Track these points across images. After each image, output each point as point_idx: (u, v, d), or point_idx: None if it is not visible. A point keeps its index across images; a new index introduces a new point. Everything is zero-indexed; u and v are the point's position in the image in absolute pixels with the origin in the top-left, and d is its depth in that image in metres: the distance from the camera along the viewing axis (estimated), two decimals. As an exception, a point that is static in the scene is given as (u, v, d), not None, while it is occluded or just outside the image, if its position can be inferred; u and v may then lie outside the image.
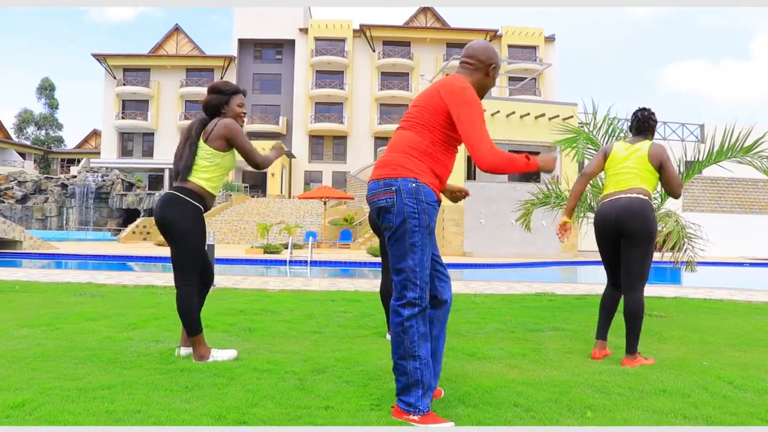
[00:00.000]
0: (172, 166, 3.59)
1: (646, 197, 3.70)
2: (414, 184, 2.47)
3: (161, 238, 23.94)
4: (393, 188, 2.47)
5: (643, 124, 3.94)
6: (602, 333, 3.92)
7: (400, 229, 2.47)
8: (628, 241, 3.70)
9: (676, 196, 3.93)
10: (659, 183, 3.88)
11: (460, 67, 2.73)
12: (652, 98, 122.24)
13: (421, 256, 2.48)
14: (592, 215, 6.12)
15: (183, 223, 3.44)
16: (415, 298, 2.47)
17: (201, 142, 3.49)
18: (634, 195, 3.69)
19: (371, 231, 22.95)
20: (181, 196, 3.44)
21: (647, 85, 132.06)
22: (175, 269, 3.52)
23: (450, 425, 2.44)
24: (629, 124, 4.06)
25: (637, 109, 4.00)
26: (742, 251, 22.46)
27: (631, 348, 3.70)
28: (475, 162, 2.47)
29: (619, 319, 3.74)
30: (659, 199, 6.04)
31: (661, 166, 3.74)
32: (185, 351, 3.61)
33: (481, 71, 2.69)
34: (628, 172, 3.77)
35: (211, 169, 3.50)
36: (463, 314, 5.52)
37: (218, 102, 3.54)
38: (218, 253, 15.28)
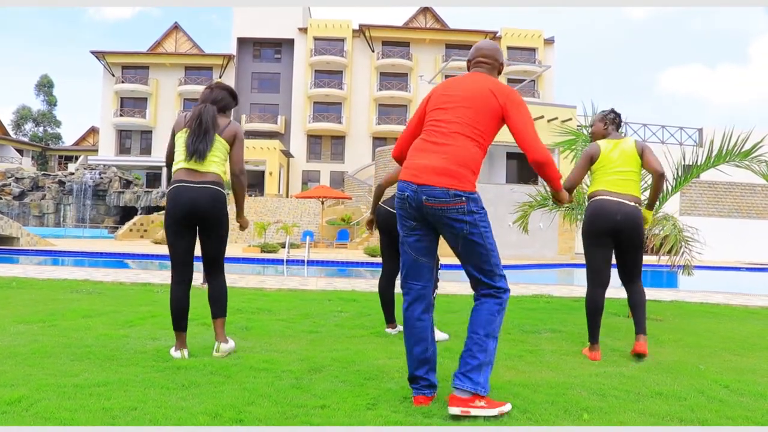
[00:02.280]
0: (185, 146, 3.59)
1: (641, 207, 4.01)
2: (476, 195, 2.69)
3: (158, 236, 23.79)
4: (463, 198, 2.64)
5: (620, 120, 4.30)
6: (597, 337, 3.98)
7: (476, 235, 2.68)
8: (628, 247, 3.99)
9: (659, 172, 3.95)
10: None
11: (477, 66, 2.91)
12: (651, 100, 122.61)
13: (497, 251, 2.76)
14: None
15: (227, 219, 3.61)
16: (506, 283, 2.76)
17: (218, 135, 3.62)
18: (634, 204, 3.93)
19: (368, 231, 22.93)
20: (224, 193, 3.58)
21: (645, 88, 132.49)
22: (219, 263, 3.66)
23: (508, 407, 2.61)
24: (610, 122, 4.25)
25: (613, 110, 4.30)
26: (739, 255, 22.51)
27: (644, 329, 3.96)
28: (532, 155, 2.69)
29: (610, 322, 3.77)
30: (657, 203, 6.04)
31: (642, 151, 4.01)
32: (186, 352, 3.58)
33: (497, 69, 2.92)
34: (626, 175, 3.98)
35: (225, 164, 3.68)
36: (460, 315, 5.51)
37: (230, 106, 3.83)
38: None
